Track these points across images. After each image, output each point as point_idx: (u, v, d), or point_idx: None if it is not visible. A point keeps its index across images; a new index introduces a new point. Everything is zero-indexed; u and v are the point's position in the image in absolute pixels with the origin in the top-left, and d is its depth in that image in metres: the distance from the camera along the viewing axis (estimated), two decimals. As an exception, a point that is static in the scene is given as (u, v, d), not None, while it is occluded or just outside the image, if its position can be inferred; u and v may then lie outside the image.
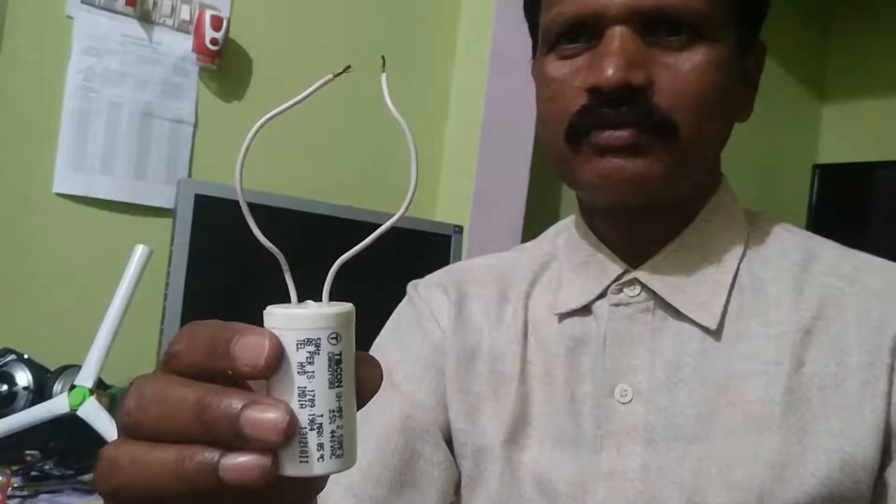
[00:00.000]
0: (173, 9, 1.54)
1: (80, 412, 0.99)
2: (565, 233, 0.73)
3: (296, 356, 0.31)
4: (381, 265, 1.59)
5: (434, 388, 0.69)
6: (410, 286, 0.77)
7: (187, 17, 1.55)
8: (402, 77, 1.85)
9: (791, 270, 0.63)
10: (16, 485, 0.95)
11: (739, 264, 0.64)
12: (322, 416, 0.31)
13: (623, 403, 0.62)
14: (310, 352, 0.31)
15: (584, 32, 0.60)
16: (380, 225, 0.33)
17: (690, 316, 0.62)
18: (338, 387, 0.31)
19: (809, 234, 0.68)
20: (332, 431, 0.31)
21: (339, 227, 1.41)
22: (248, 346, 0.31)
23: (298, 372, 0.31)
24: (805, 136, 2.88)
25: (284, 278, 0.33)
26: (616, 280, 0.65)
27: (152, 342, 1.28)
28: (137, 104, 1.51)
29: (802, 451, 0.57)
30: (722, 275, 0.63)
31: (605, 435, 0.62)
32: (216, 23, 1.53)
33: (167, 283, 1.27)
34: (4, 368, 1.09)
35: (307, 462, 0.31)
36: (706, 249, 0.64)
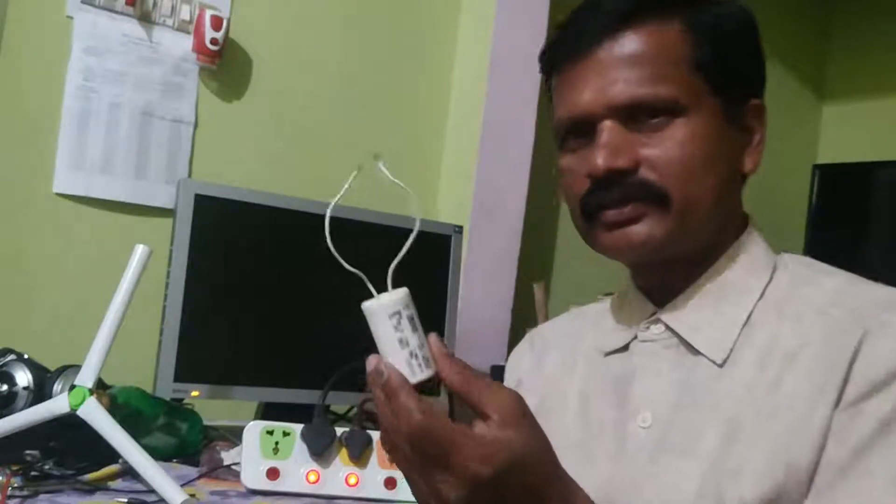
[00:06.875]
0: (173, 9, 1.54)
1: (80, 412, 0.99)
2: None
3: (389, 322, 0.54)
4: (382, 265, 1.58)
5: None
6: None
7: (187, 17, 1.55)
8: (402, 77, 1.85)
9: (802, 303, 0.69)
10: (16, 485, 0.95)
11: (756, 304, 0.71)
12: (413, 349, 0.54)
13: (643, 428, 0.71)
14: (397, 318, 0.54)
15: (583, 128, 0.71)
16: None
17: (703, 352, 0.71)
18: (419, 332, 0.55)
19: (831, 269, 0.73)
20: (424, 356, 0.55)
21: (338, 227, 1.40)
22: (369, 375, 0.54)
23: (395, 329, 0.54)
24: (805, 136, 2.88)
25: (369, 288, 0.55)
26: (645, 319, 0.76)
27: (152, 342, 1.28)
28: (137, 104, 1.51)
29: (755, 458, 0.63)
30: (736, 314, 0.71)
31: (618, 453, 0.71)
32: (216, 23, 1.54)
33: (167, 283, 1.27)
34: (4, 368, 1.09)
35: (413, 374, 0.54)
36: (722, 291, 0.72)
